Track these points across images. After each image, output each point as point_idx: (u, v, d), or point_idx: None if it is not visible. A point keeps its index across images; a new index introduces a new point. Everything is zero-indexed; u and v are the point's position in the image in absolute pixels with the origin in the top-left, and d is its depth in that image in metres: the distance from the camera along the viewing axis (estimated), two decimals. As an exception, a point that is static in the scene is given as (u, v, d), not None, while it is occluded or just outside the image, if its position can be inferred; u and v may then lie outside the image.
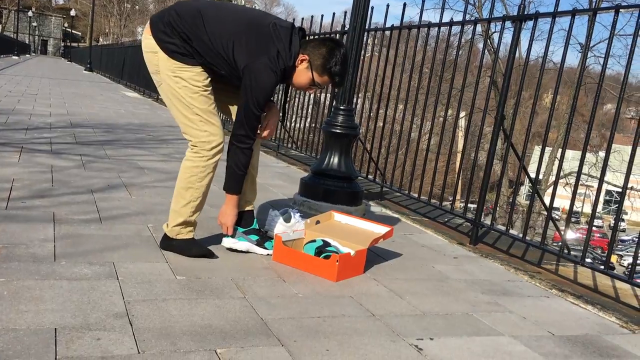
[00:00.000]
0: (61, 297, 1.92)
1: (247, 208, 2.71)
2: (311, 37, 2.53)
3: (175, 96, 2.41)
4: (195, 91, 2.39)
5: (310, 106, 6.47)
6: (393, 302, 2.34)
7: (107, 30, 71.19)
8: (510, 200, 8.34)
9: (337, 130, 3.87)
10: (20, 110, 7.22)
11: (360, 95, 5.14)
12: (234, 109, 2.64)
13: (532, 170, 22.20)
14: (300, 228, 3.01)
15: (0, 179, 3.41)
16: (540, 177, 17.42)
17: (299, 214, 3.08)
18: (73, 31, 76.20)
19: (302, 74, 2.43)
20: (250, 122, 2.39)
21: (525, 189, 32.68)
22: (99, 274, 2.17)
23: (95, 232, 2.67)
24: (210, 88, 2.44)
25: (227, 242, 2.66)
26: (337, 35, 5.27)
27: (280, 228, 2.98)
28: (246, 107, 2.36)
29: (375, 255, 2.97)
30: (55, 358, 1.56)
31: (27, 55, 51.00)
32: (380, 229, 2.92)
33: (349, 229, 2.97)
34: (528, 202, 7.53)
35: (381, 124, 5.01)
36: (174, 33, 2.36)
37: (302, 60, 2.41)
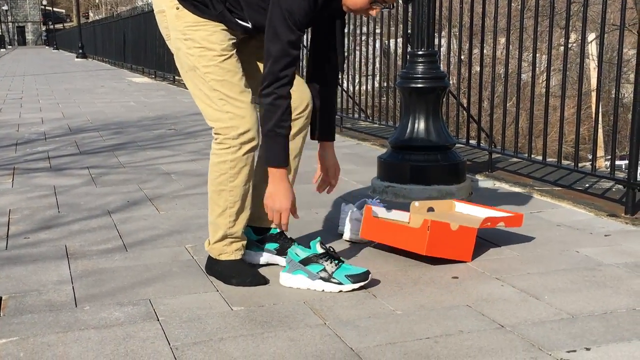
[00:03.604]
0: (91, 351, 2.02)
1: (270, 225, 2.71)
2: None
3: (188, 65, 2.45)
4: (210, 57, 2.41)
5: (378, 58, 6.46)
6: (527, 305, 2.32)
7: (97, 1, 73.30)
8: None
9: (418, 85, 3.85)
10: (4, 122, 7.58)
11: (443, 33, 5.08)
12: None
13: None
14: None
15: (-7, 213, 3.61)
16: None
17: (382, 205, 3.09)
18: (54, 9, 79.00)
19: None
20: (281, 52, 2.29)
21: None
22: (133, 316, 2.27)
23: (121, 264, 2.79)
24: (232, 52, 2.44)
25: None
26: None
27: (359, 227, 3.00)
28: (273, 29, 2.28)
29: (493, 246, 2.95)
30: None
31: (1, 50, 53.38)
32: (504, 215, 2.94)
33: (468, 217, 3.00)
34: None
35: (478, 69, 4.94)
36: None
37: None
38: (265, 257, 2.69)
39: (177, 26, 2.44)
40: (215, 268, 2.59)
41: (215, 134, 2.48)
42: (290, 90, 2.36)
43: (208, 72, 2.42)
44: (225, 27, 2.44)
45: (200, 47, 2.41)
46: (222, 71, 2.42)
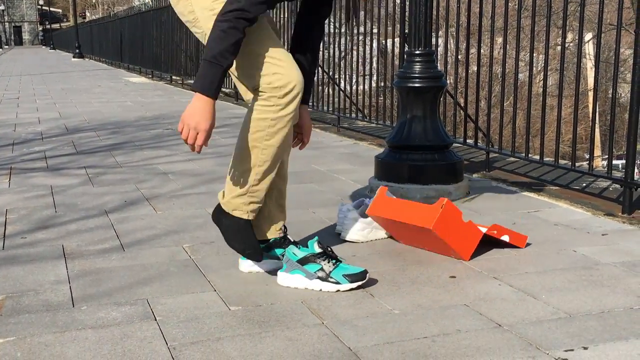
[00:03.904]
0: (88, 351, 2.01)
1: (274, 236, 2.67)
2: None
3: None
4: None
5: (375, 58, 6.46)
6: (525, 305, 2.33)
7: (93, 1, 73.23)
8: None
9: (416, 84, 3.85)
10: (1, 122, 7.56)
11: (440, 32, 5.08)
12: None
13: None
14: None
15: (-10, 213, 3.60)
16: None
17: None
18: (51, 9, 78.92)
19: None
20: None
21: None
22: (130, 316, 2.26)
23: (118, 264, 2.78)
24: (264, 19, 2.41)
25: (244, 265, 2.66)
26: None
27: (356, 226, 3.01)
28: None
29: (491, 246, 2.95)
30: None
31: (-2, 50, 53.26)
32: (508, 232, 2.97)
33: None
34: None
35: (475, 68, 4.94)
36: None
37: None
38: (271, 264, 2.65)
39: (204, 3, 2.39)
40: (223, 221, 2.53)
41: (261, 92, 2.39)
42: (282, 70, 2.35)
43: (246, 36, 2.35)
44: None
45: None
46: (261, 31, 2.38)
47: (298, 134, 2.72)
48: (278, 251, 2.65)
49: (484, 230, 2.84)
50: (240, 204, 2.50)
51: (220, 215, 2.55)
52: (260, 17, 2.38)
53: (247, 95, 2.55)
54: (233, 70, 2.44)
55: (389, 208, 2.89)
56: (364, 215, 3.03)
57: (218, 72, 2.26)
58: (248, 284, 2.54)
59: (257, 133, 2.42)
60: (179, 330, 2.14)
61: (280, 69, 2.37)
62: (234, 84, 9.17)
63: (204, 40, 2.46)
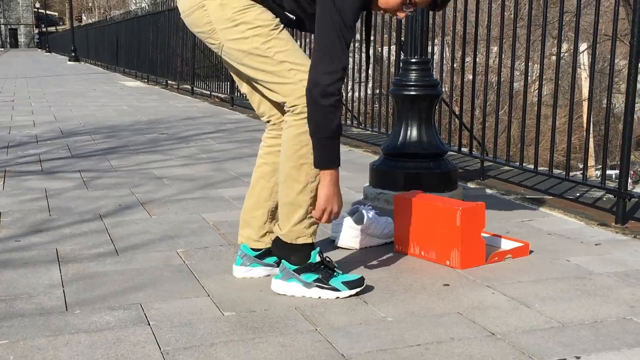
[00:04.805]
0: (81, 355, 2.01)
1: (268, 245, 2.64)
2: None
3: (245, 52, 2.39)
4: (267, 33, 2.36)
5: (371, 65, 6.47)
6: (518, 313, 2.33)
7: (90, 4, 73.23)
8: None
9: (411, 92, 3.86)
10: (-4, 124, 7.55)
11: (436, 41, 5.10)
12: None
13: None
14: (378, 231, 3.04)
15: (-16, 215, 3.60)
16: None
17: (373, 212, 3.10)
18: (47, 12, 78.93)
19: None
20: (338, 50, 2.24)
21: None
22: (124, 320, 2.26)
23: (112, 268, 2.78)
24: (283, 26, 2.41)
25: (238, 271, 2.67)
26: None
27: (350, 233, 3.01)
28: (326, 26, 2.24)
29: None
30: None
31: (-6, 53, 53.17)
32: (512, 244, 2.99)
33: None
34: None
35: (470, 77, 4.96)
36: None
37: None
38: (266, 271, 2.64)
39: (224, 15, 2.38)
40: (292, 259, 2.47)
41: (292, 106, 2.38)
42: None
43: (270, 47, 2.36)
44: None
45: (255, 27, 2.36)
46: (283, 42, 2.38)
47: None
48: (271, 259, 2.65)
49: (487, 236, 2.85)
50: (302, 229, 2.46)
51: (287, 252, 2.50)
52: (273, 17, 2.40)
53: (271, 110, 2.54)
54: (258, 78, 2.44)
55: (422, 196, 2.92)
56: (359, 222, 3.03)
57: (338, 143, 2.32)
58: (242, 290, 2.54)
59: (302, 149, 2.38)
60: (172, 335, 2.14)
61: (306, 75, 2.34)
62: (237, 89, 9.02)
63: (219, 52, 2.46)
